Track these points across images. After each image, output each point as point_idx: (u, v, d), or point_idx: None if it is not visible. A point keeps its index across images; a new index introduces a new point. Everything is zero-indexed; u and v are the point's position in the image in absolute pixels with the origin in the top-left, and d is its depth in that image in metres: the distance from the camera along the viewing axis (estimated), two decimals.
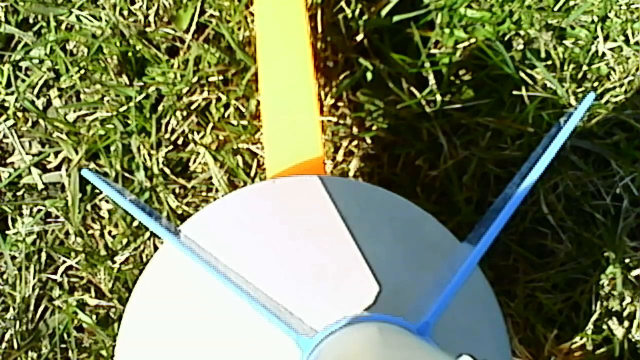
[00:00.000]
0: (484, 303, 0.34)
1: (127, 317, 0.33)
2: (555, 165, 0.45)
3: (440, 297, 0.30)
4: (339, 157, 0.46)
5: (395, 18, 0.47)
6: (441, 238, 0.35)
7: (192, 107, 0.47)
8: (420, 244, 0.34)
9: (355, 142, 0.46)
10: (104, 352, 0.44)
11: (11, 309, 0.45)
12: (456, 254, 0.33)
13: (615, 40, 0.48)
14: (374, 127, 0.46)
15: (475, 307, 0.34)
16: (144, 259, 0.46)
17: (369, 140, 0.46)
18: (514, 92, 0.46)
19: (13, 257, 0.46)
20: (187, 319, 0.32)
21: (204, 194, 0.46)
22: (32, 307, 0.45)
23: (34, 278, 0.45)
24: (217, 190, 0.46)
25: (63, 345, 0.45)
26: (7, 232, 0.47)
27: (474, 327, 0.33)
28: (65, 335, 0.45)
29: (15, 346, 0.45)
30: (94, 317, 0.45)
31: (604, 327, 0.44)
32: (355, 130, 0.46)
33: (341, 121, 0.46)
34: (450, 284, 0.30)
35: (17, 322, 0.45)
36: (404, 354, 0.25)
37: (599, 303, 0.44)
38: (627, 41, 0.48)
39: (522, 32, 0.47)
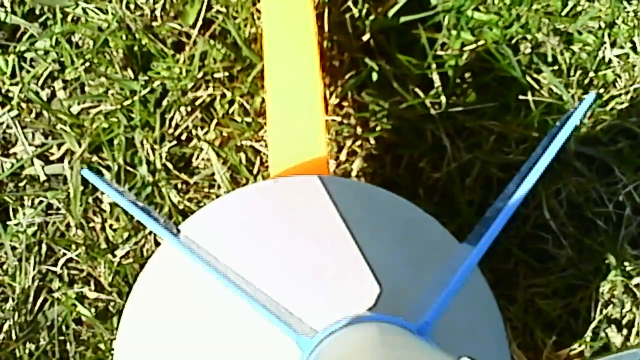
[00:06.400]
0: (484, 305, 0.34)
1: (126, 316, 0.33)
2: (558, 171, 0.45)
3: (440, 298, 0.30)
4: (342, 156, 0.46)
5: (403, 19, 0.47)
6: (441, 239, 0.35)
7: (197, 103, 0.47)
8: (420, 245, 0.34)
9: (358, 142, 0.46)
10: (102, 346, 0.44)
11: (10, 299, 0.45)
12: (456, 255, 0.33)
13: (622, 47, 0.47)
14: (378, 128, 0.46)
15: (475, 309, 0.34)
16: (145, 254, 0.46)
17: (372, 141, 0.46)
18: (520, 97, 0.46)
19: (13, 248, 0.46)
20: (187, 319, 0.32)
21: (206, 190, 0.46)
22: (31, 299, 0.45)
23: (33, 269, 0.45)
24: (219, 187, 0.46)
25: (61, 338, 0.45)
26: (8, 222, 0.47)
27: (474, 329, 0.33)
28: (63, 328, 0.45)
29: (14, 337, 0.45)
30: (92, 310, 0.45)
31: (603, 334, 0.44)
32: (359, 130, 0.46)
33: (345, 121, 0.46)
34: (450, 285, 0.30)
35: (16, 313, 0.45)
36: (404, 354, 0.25)
37: (598, 310, 0.44)
38: (634, 48, 0.47)
39: (529, 36, 0.47)
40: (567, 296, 0.44)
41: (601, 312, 0.44)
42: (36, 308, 0.45)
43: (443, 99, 0.46)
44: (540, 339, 0.43)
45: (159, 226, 0.31)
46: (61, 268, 0.46)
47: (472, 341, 0.33)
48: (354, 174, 0.45)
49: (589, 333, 0.44)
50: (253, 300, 0.30)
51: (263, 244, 0.33)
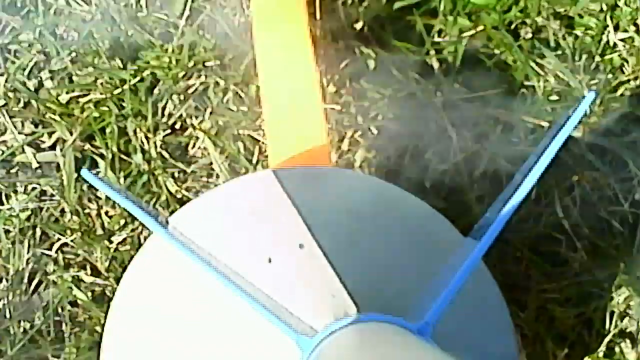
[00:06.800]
0: (489, 305, 0.34)
1: (115, 311, 0.32)
2: (570, 164, 0.44)
3: (440, 297, 0.30)
4: (344, 146, 0.45)
5: (396, 5, 0.45)
6: (448, 237, 0.34)
7: (190, 91, 0.45)
8: (426, 242, 0.34)
9: (360, 132, 0.45)
10: (98, 328, 0.44)
11: (4, 280, 0.45)
12: (460, 251, 0.33)
13: (626, 31, 0.46)
14: (379, 117, 0.45)
15: (481, 308, 0.34)
16: (142, 241, 0.45)
17: (374, 130, 0.45)
18: (525, 83, 0.45)
19: (7, 231, 0.45)
20: (186, 319, 0.32)
21: (204, 179, 0.45)
22: (25, 280, 0.45)
23: (28, 252, 0.45)
24: (217, 176, 0.45)
25: (57, 318, 0.44)
26: (0, 207, 0.46)
27: (483, 332, 0.33)
28: (59, 309, 0.44)
29: (8, 316, 0.44)
30: (89, 293, 0.44)
31: (617, 349, 0.42)
32: (360, 119, 0.45)
33: (345, 110, 0.45)
34: (450, 284, 0.30)
35: (10, 293, 0.44)
36: (404, 354, 0.25)
37: (613, 322, 0.42)
38: (638, 31, 0.46)
39: (528, 21, 0.46)
40: (580, 305, 0.43)
41: (616, 325, 0.42)
42: (31, 289, 0.45)
43: (444, 86, 0.45)
44: (551, 351, 0.42)
45: (159, 226, 0.31)
46: (56, 252, 0.45)
47: (475, 341, 0.32)
48: (357, 164, 0.44)
49: (602, 348, 0.42)
50: (253, 300, 0.29)
51: (254, 239, 0.32)
